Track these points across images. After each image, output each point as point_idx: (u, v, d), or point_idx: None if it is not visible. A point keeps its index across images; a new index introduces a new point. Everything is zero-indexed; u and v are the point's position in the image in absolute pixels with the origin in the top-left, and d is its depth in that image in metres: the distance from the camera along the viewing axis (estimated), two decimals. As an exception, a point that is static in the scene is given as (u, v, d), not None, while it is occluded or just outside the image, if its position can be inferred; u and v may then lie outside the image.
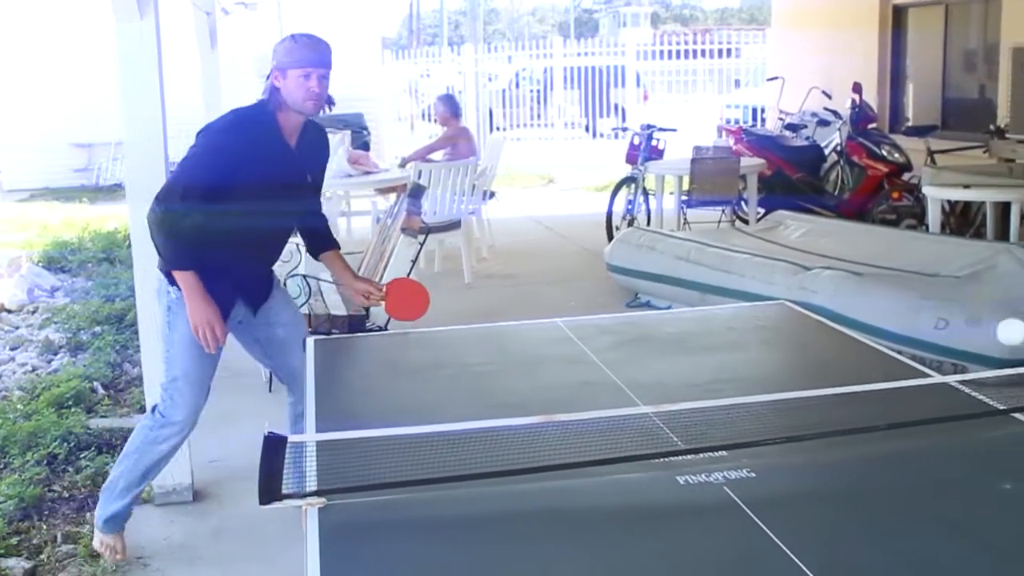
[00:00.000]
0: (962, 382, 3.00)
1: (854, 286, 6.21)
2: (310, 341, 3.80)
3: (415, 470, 2.42)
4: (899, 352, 5.79)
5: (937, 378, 2.97)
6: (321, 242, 4.14)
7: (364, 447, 2.53)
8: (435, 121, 10.87)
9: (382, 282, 4.39)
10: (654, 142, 10.02)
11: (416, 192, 5.73)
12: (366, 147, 14.12)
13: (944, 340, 5.78)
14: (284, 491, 2.35)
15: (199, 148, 3.61)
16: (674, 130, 10.30)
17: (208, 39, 7.84)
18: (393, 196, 8.58)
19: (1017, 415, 2.77)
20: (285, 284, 4.72)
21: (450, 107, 10.02)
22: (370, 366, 3.77)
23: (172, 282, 3.70)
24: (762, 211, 9.60)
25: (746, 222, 9.64)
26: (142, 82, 4.29)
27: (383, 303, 4.06)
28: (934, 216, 8.13)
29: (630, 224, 9.44)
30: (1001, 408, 2.79)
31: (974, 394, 2.93)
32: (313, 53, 3.62)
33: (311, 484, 2.40)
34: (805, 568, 2.03)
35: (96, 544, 4.04)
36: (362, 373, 3.70)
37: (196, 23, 7.68)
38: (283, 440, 2.38)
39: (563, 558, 2.16)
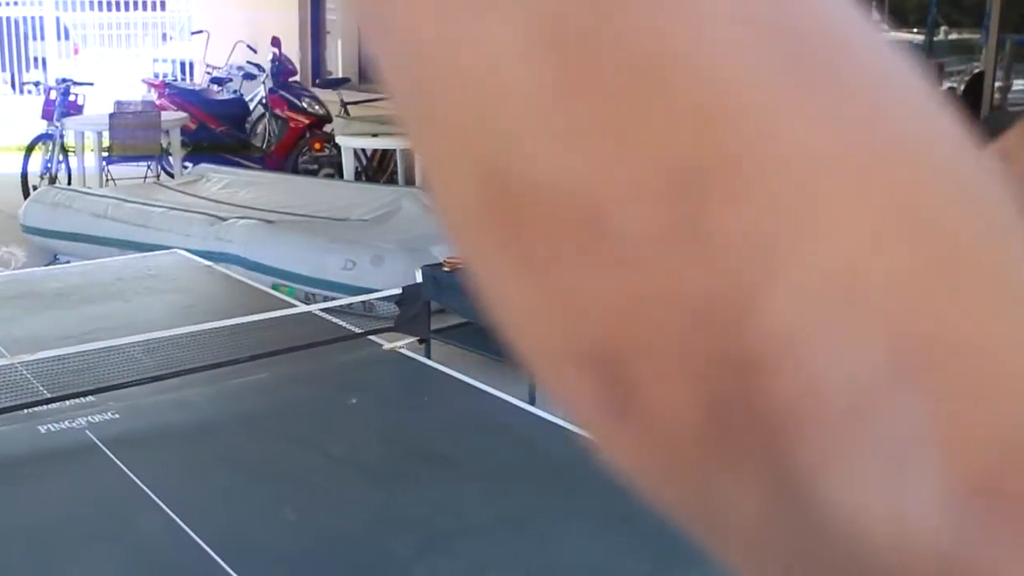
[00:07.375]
0: (326, 310, 3.24)
1: (265, 234, 6.40)
2: None
3: None
4: (313, 295, 6.13)
5: (301, 307, 3.18)
6: None
7: None
8: None
9: None
10: (72, 97, 9.61)
11: None
12: None
13: (352, 280, 6.13)
14: None
15: None
16: (91, 84, 9.95)
17: None
18: None
19: (372, 337, 3.05)
20: None
21: None
22: None
23: None
24: (190, 166, 9.56)
25: (172, 177, 9.55)
26: None
27: None
28: (348, 164, 8.56)
29: (51, 183, 9.02)
30: (358, 332, 3.06)
31: (337, 321, 3.18)
32: None
33: None
34: (159, 501, 2.12)
35: None
36: None
37: None
38: None
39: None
